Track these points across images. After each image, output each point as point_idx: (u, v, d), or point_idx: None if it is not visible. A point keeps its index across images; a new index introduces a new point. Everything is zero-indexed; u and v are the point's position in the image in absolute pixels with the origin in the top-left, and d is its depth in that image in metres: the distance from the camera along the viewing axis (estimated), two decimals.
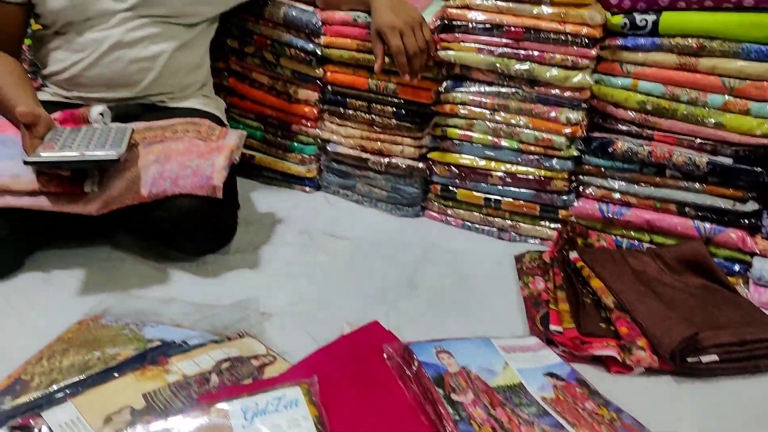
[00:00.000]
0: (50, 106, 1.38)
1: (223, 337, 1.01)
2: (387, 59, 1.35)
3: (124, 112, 1.38)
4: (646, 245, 1.28)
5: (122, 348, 0.96)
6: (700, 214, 1.23)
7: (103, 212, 1.19)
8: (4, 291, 1.16)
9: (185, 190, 1.17)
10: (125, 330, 1.02)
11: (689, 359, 0.97)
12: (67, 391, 0.85)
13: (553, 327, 1.05)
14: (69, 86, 1.39)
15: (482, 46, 1.28)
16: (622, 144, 1.23)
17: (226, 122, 1.53)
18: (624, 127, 1.25)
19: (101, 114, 1.29)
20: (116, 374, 0.87)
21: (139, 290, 1.18)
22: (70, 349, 0.96)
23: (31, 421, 0.77)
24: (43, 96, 1.43)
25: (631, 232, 1.30)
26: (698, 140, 1.19)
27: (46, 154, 1.08)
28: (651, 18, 1.15)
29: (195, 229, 1.21)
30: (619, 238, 1.31)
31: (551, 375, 0.92)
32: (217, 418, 0.75)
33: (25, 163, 1.09)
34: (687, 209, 1.23)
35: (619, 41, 1.19)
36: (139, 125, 1.32)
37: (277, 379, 0.87)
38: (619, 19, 1.18)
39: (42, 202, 1.18)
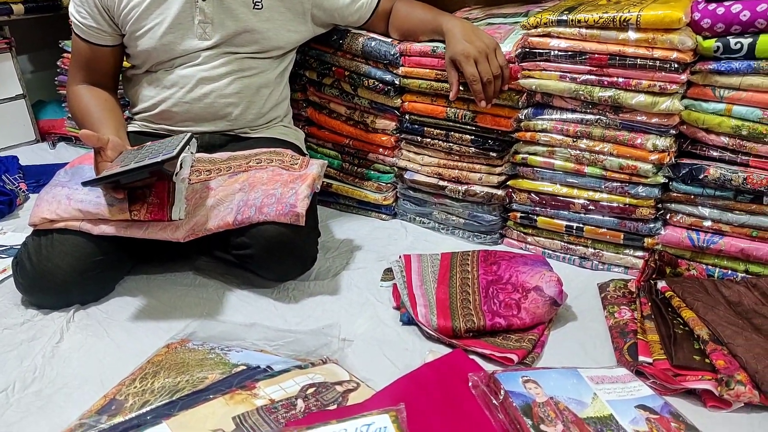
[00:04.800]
0: (138, 136, 1.46)
1: (307, 362, 1.01)
2: (461, 88, 1.36)
3: (209, 142, 1.44)
4: (740, 275, 1.22)
5: (209, 371, 0.98)
6: None
7: (190, 239, 1.23)
8: (97, 314, 1.21)
9: (269, 218, 1.20)
10: (211, 354, 1.04)
11: None
12: (160, 412, 0.87)
13: (642, 358, 1.01)
14: (158, 120, 1.46)
15: (564, 74, 1.26)
16: (714, 171, 1.18)
17: (305, 152, 1.57)
18: (716, 153, 1.20)
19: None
20: (206, 397, 0.89)
21: (223, 315, 1.21)
22: (160, 372, 0.99)
23: None
24: (132, 127, 1.51)
25: (724, 261, 1.24)
26: None
27: (101, 175, 1.13)
28: (747, 41, 1.11)
29: (278, 256, 1.24)
30: (711, 267, 1.25)
31: (643, 408, 0.89)
32: None
33: (83, 184, 1.14)
34: None
35: (712, 65, 1.15)
36: (223, 155, 1.37)
37: (364, 405, 0.87)
38: (711, 44, 1.14)
39: (133, 231, 1.23)
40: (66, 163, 1.38)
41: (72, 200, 1.23)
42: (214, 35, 1.36)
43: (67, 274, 1.18)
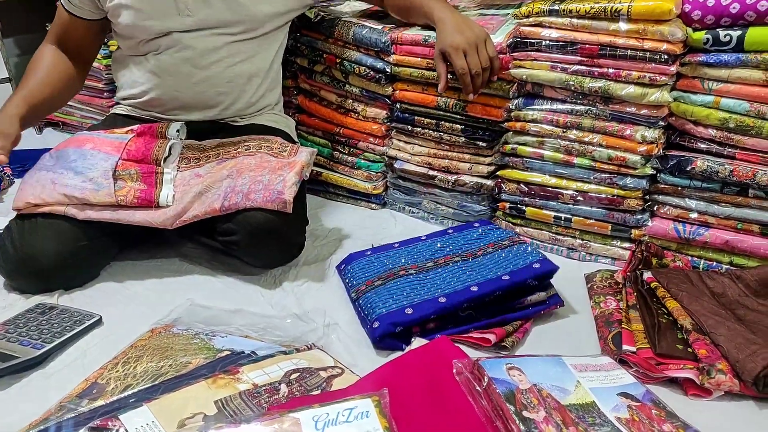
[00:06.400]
0: (125, 119, 1.44)
1: (292, 348, 1.01)
2: (450, 76, 1.36)
3: (198, 128, 1.42)
4: (725, 267, 1.23)
5: (193, 356, 0.98)
6: None
7: (178, 226, 1.23)
8: (82, 300, 1.21)
9: (256, 204, 1.19)
10: (196, 339, 1.03)
11: None
12: (142, 396, 0.87)
13: (626, 347, 1.02)
14: (146, 107, 1.44)
15: (555, 64, 1.26)
16: (701, 163, 1.19)
17: (296, 139, 1.56)
18: (704, 146, 1.20)
19: (178, 131, 1.34)
20: (189, 381, 0.89)
21: (208, 301, 1.20)
22: (143, 356, 0.98)
23: (109, 423, 0.79)
24: (119, 110, 1.49)
25: (710, 253, 1.25)
26: None
27: None
28: (736, 33, 1.11)
29: (265, 243, 1.23)
30: (696, 258, 1.26)
31: (625, 395, 0.89)
32: (288, 426, 0.74)
33: None
34: None
35: (701, 57, 1.15)
36: (212, 142, 1.36)
37: (347, 390, 0.87)
38: (701, 35, 1.14)
39: (120, 216, 1.22)
40: (51, 148, 1.37)
41: (57, 184, 1.22)
42: (195, 12, 1.32)
43: (51, 259, 1.17)
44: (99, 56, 1.88)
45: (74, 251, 1.20)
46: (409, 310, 1.07)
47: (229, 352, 0.99)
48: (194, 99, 1.40)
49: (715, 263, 1.24)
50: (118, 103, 1.51)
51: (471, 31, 1.32)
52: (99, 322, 1.13)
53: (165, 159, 1.28)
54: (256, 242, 1.22)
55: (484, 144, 1.42)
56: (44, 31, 2.08)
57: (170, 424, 0.80)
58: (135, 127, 1.35)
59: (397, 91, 1.48)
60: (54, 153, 1.30)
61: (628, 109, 1.22)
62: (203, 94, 1.39)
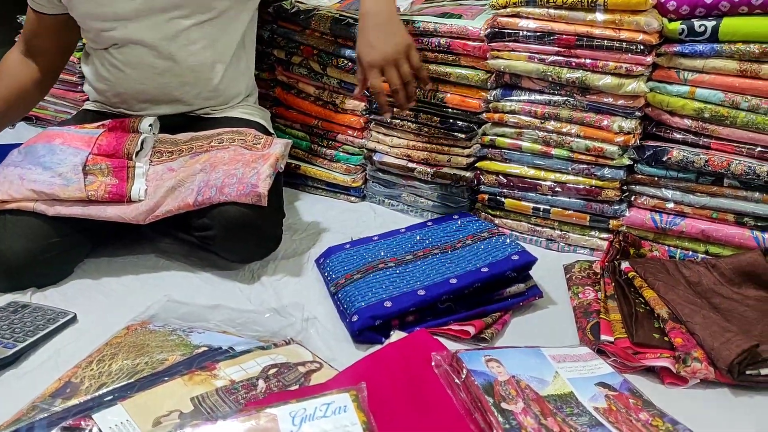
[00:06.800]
0: (95, 115, 1.42)
1: (270, 343, 1.00)
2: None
3: (170, 123, 1.40)
4: (701, 256, 1.24)
5: (169, 353, 0.97)
6: (759, 224, 1.18)
7: (151, 221, 1.21)
8: (55, 297, 1.19)
9: (231, 198, 1.18)
10: (172, 336, 1.02)
11: (748, 372, 0.93)
12: (117, 394, 0.85)
13: (603, 337, 1.02)
14: (114, 103, 1.42)
15: (533, 54, 1.26)
16: (677, 153, 1.19)
17: (272, 131, 1.54)
18: (679, 136, 1.21)
19: (150, 125, 1.32)
20: (165, 378, 0.88)
21: (185, 297, 1.19)
22: (118, 354, 0.97)
23: (81, 422, 0.78)
24: (89, 105, 1.47)
25: (686, 243, 1.25)
26: (759, 148, 1.15)
27: None
28: (710, 24, 1.12)
29: (240, 237, 1.22)
30: (672, 248, 1.26)
31: (603, 385, 0.89)
32: (265, 423, 0.74)
33: None
34: (745, 219, 1.19)
35: (676, 48, 1.16)
36: (185, 136, 1.34)
37: (325, 385, 0.87)
38: (676, 26, 1.15)
39: (91, 211, 1.20)
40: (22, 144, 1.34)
41: (25, 180, 1.19)
42: None
43: (20, 256, 1.15)
44: None
45: (45, 248, 1.17)
46: (388, 303, 1.07)
47: (206, 348, 0.98)
48: (159, 91, 1.37)
49: (691, 252, 1.25)
50: (86, 99, 1.49)
51: (392, 43, 1.22)
52: (73, 319, 1.11)
53: (137, 153, 1.26)
54: (231, 236, 1.21)
55: (463, 135, 1.41)
56: (13, 23, 2.06)
57: (145, 422, 0.79)
58: (106, 122, 1.33)
59: None
60: (22, 149, 1.28)
61: (605, 100, 1.23)
62: (167, 86, 1.36)
